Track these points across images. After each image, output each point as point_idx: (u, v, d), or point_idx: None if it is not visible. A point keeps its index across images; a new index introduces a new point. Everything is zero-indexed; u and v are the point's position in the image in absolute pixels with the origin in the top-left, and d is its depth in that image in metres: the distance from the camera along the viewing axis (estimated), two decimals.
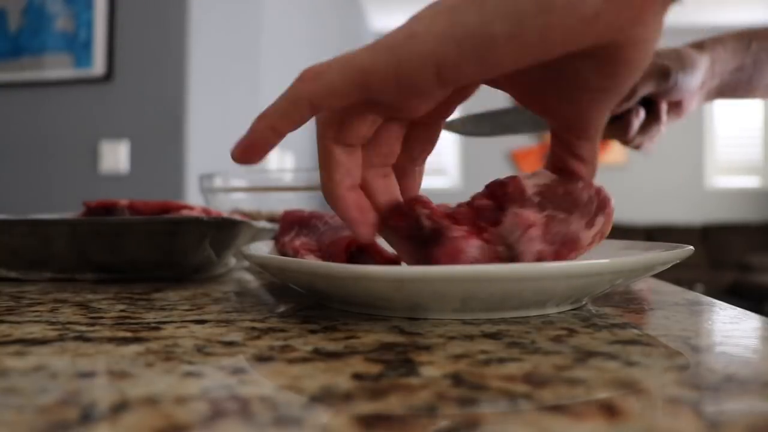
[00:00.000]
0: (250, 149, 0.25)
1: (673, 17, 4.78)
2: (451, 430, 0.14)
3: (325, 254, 0.35)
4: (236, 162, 0.26)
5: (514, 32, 0.21)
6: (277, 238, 0.41)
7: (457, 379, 0.18)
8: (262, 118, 0.25)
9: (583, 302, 0.31)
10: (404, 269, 0.25)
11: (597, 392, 0.17)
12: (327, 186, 0.28)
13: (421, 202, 0.29)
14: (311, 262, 0.27)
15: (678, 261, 0.29)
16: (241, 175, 0.65)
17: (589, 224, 0.28)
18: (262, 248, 0.38)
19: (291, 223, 0.40)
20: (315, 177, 0.64)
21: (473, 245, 0.28)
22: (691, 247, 0.31)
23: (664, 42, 5.08)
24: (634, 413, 0.15)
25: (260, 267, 0.31)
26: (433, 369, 0.19)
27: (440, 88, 0.24)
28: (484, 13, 0.22)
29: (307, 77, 0.24)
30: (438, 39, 0.22)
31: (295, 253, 0.36)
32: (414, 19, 0.24)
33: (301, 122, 0.25)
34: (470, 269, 0.24)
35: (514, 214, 0.28)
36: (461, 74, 0.23)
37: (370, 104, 0.26)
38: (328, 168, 0.27)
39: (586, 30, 0.21)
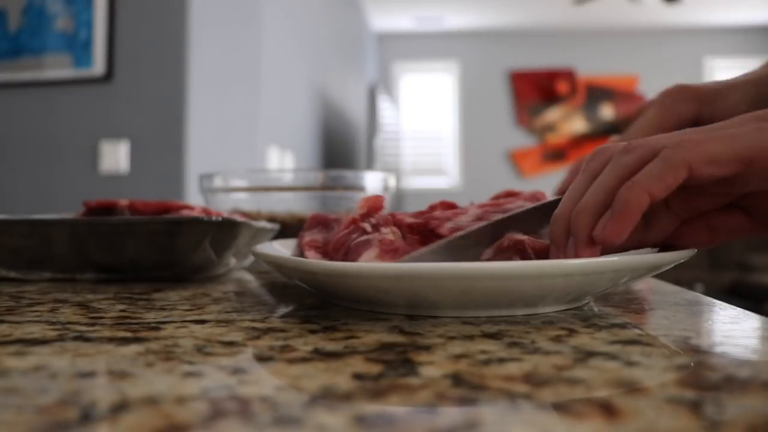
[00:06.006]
0: (624, 219, 0.26)
1: (674, 17, 4.78)
2: (451, 430, 0.14)
3: (327, 252, 0.36)
4: (605, 242, 0.26)
5: None
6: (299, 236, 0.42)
7: (457, 379, 0.18)
8: (633, 185, 0.26)
9: (586, 301, 0.31)
10: (402, 266, 0.25)
11: (597, 392, 0.17)
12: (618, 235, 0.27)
13: (392, 215, 0.35)
14: (311, 261, 0.27)
15: (681, 261, 0.29)
16: (241, 175, 0.65)
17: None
18: (278, 247, 0.39)
19: (317, 223, 0.41)
20: (314, 177, 0.64)
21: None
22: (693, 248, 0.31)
23: (662, 44, 5.08)
24: (634, 413, 0.15)
25: (270, 266, 0.31)
26: (433, 369, 0.19)
27: None
28: None
29: (689, 143, 0.26)
30: None
31: (303, 250, 0.37)
32: None
33: (674, 186, 0.26)
34: (469, 267, 0.25)
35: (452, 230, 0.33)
36: None
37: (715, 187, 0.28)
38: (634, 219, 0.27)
39: None
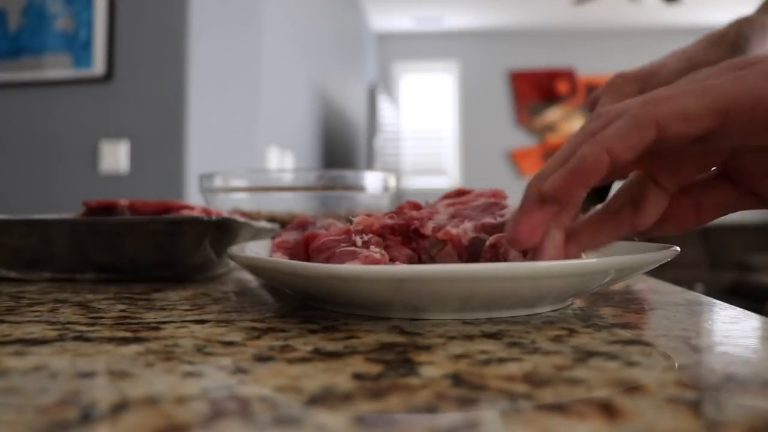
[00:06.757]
0: (575, 173, 0.24)
1: (673, 17, 4.78)
2: (451, 430, 0.14)
3: (293, 252, 0.36)
4: (550, 194, 0.24)
5: None
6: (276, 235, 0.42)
7: (457, 379, 0.18)
8: (595, 142, 0.24)
9: (569, 302, 0.31)
10: (398, 268, 0.25)
11: (597, 392, 0.17)
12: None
13: (375, 215, 0.36)
14: (288, 261, 0.28)
15: (668, 259, 0.29)
16: (241, 175, 0.65)
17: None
18: (253, 248, 0.38)
19: (298, 226, 0.42)
20: (314, 177, 0.64)
21: (403, 253, 0.34)
22: (677, 248, 0.30)
23: (662, 44, 5.08)
24: (634, 413, 0.15)
25: (245, 268, 0.31)
26: (433, 369, 0.19)
27: None
28: None
29: (657, 100, 0.24)
30: None
31: (272, 251, 0.38)
32: None
33: (641, 146, 0.24)
34: (465, 267, 0.25)
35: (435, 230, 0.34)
36: None
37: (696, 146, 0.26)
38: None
39: None
